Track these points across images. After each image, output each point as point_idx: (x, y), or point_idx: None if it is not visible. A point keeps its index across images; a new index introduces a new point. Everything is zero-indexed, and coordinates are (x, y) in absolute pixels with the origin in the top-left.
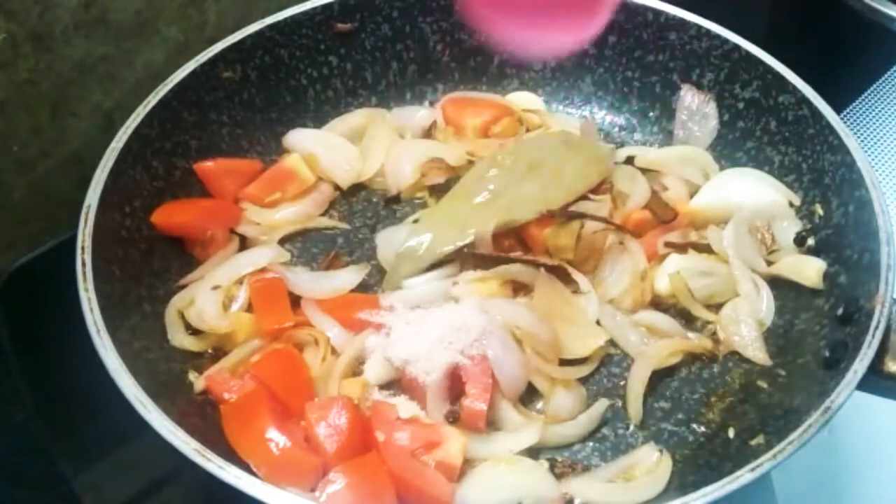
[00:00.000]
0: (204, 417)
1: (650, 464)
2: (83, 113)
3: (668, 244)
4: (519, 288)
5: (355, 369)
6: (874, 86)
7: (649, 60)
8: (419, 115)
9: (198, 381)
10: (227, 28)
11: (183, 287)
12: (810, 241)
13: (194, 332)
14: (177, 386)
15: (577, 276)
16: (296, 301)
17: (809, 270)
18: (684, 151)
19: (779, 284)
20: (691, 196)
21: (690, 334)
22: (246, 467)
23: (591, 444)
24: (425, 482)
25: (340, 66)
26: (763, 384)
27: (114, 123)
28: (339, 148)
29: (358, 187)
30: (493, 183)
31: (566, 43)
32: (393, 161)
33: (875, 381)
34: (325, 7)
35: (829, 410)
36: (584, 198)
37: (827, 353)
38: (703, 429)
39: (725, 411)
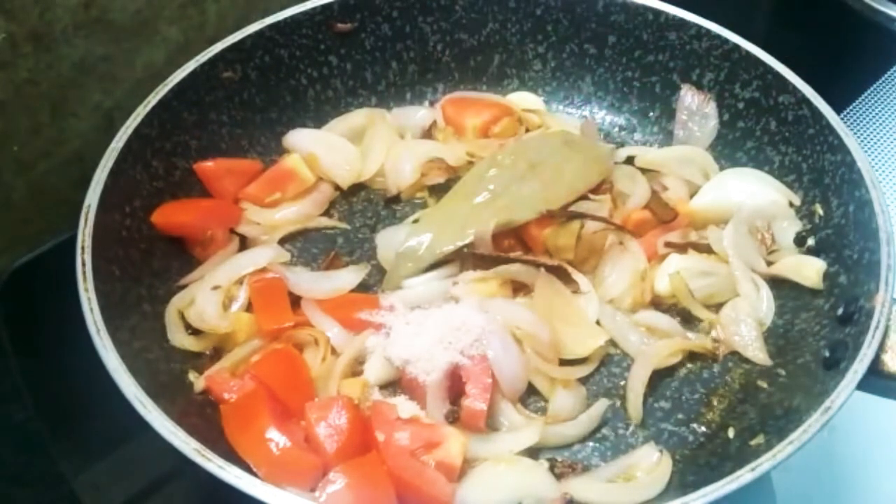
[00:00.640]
0: (204, 417)
1: (650, 464)
2: (83, 113)
3: (668, 244)
4: (519, 288)
5: (355, 369)
6: (874, 86)
7: (649, 60)
8: (419, 115)
9: (198, 381)
10: (227, 28)
11: (183, 287)
12: (810, 242)
13: (194, 332)
14: (177, 386)
15: (577, 276)
16: (296, 301)
17: (809, 271)
18: (684, 151)
19: (779, 284)
20: (691, 196)
21: (690, 334)
22: (246, 467)
23: (591, 444)
24: (425, 482)
25: (340, 66)
26: (763, 384)
27: (114, 123)
28: (339, 148)
29: (358, 187)
30: (493, 183)
31: None
32: (393, 161)
33: (875, 381)
34: (325, 7)
35: (829, 410)
36: (584, 198)
37: (827, 353)
38: (703, 429)
39: (725, 411)
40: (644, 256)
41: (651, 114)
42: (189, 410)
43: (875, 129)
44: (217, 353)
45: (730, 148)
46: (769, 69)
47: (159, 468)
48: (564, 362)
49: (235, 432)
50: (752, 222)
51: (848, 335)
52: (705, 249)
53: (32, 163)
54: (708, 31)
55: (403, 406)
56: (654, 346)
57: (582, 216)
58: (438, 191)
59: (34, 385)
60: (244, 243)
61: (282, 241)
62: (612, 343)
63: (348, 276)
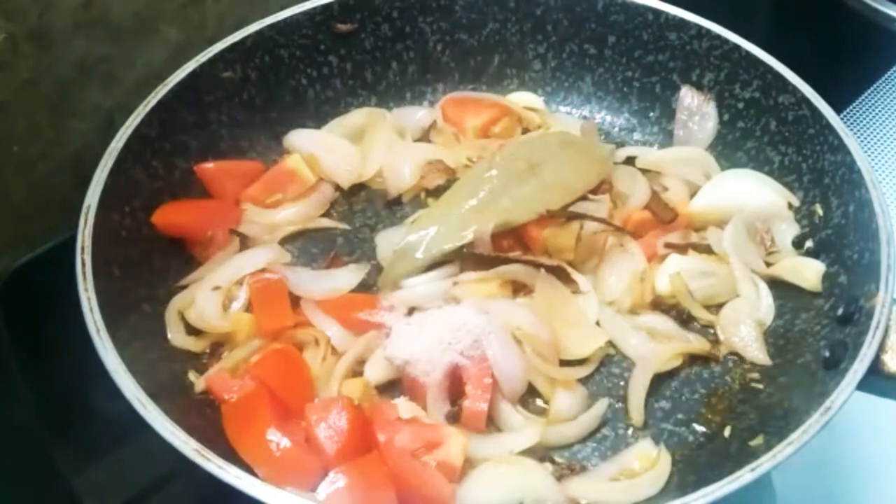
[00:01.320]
0: (204, 417)
1: (650, 459)
2: (83, 113)
3: (668, 245)
4: (519, 288)
5: (356, 369)
6: (874, 86)
7: (649, 60)
8: (419, 115)
9: (198, 382)
10: (227, 28)
11: (183, 287)
12: (809, 243)
13: (194, 332)
14: (177, 386)
15: (576, 276)
16: (296, 301)
17: (809, 273)
18: (685, 152)
19: (778, 285)
20: (692, 197)
21: (690, 335)
22: (246, 467)
23: (591, 444)
24: (426, 483)
25: (340, 66)
26: (763, 384)
27: (114, 123)
28: (339, 148)
29: (358, 187)
30: (493, 183)
31: None
32: (392, 164)
33: (875, 381)
34: (325, 7)
35: (829, 410)
36: (584, 198)
37: (827, 353)
38: (703, 429)
39: (725, 411)
40: (644, 257)
41: (651, 114)
42: (189, 410)
43: (875, 129)
44: (217, 353)
45: (730, 148)
46: (769, 69)
47: (159, 468)
48: (564, 363)
49: (235, 432)
50: (751, 223)
51: (848, 335)
52: (705, 250)
53: (32, 163)
54: (708, 31)
55: (404, 406)
56: (654, 351)
57: (581, 217)
58: (438, 192)
59: (34, 385)
60: (244, 243)
61: (282, 242)
62: (612, 343)
63: (348, 276)
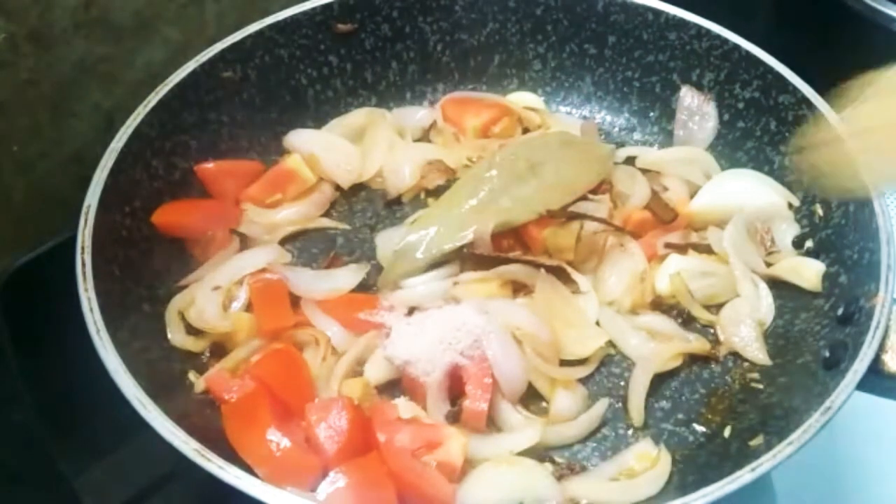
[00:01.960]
0: (204, 417)
1: (650, 459)
2: (83, 113)
3: (668, 245)
4: (519, 288)
5: (355, 369)
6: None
7: (649, 60)
8: (419, 115)
9: (198, 382)
10: (227, 28)
11: (183, 287)
12: (809, 243)
13: (194, 332)
14: (177, 386)
15: (576, 276)
16: (296, 301)
17: (809, 273)
18: (685, 152)
19: (778, 285)
20: (692, 197)
21: (690, 335)
22: (246, 467)
23: (591, 444)
24: (426, 482)
25: (340, 66)
26: (763, 384)
27: (114, 123)
28: (339, 148)
29: (358, 187)
30: (493, 183)
31: None
32: (391, 164)
33: (875, 381)
34: (325, 7)
35: (829, 410)
36: (584, 198)
37: (827, 353)
38: (703, 429)
39: (725, 411)
40: (644, 257)
41: (651, 114)
42: (189, 410)
43: None
44: (217, 353)
45: (730, 148)
46: (769, 69)
47: (159, 468)
48: (564, 363)
49: (236, 432)
50: (751, 223)
51: (848, 335)
52: (705, 250)
53: (32, 163)
54: (708, 31)
55: (404, 406)
56: (654, 351)
57: (581, 217)
58: (438, 192)
59: (34, 385)
60: (244, 243)
61: (282, 242)
62: (612, 343)
63: (348, 276)
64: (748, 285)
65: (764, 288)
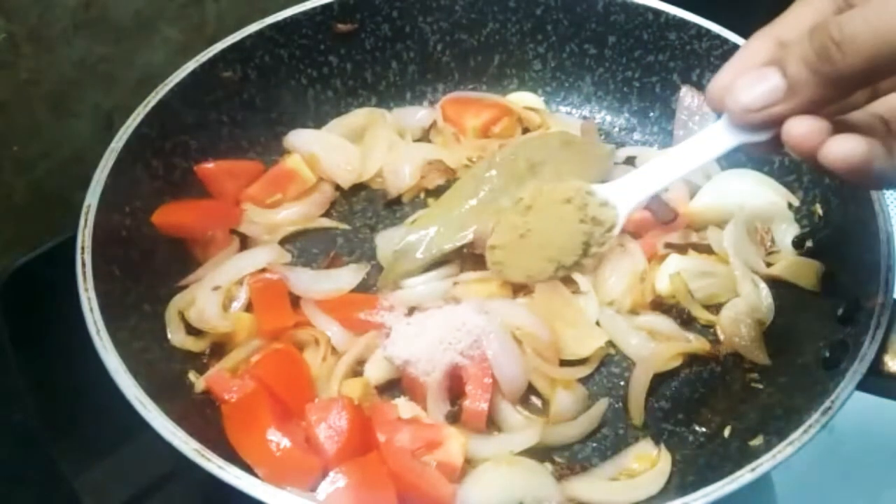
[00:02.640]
0: (204, 417)
1: (650, 459)
2: (83, 113)
3: (668, 245)
4: (519, 288)
5: (355, 369)
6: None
7: (649, 60)
8: (419, 115)
9: (198, 382)
10: (227, 28)
11: (183, 287)
12: (809, 244)
13: (194, 332)
14: (177, 386)
15: (576, 276)
16: (296, 301)
17: (808, 273)
18: None
19: (778, 284)
20: (691, 196)
21: (690, 335)
22: (246, 467)
23: (591, 444)
24: (426, 482)
25: (340, 66)
26: (763, 384)
27: (114, 123)
28: (339, 148)
29: (358, 187)
30: (493, 183)
31: None
32: (392, 164)
33: (875, 381)
34: (325, 7)
35: (829, 410)
36: None
37: (827, 353)
38: (703, 429)
39: (725, 411)
40: (644, 258)
41: (651, 114)
42: (189, 410)
43: None
44: (217, 353)
45: None
46: None
47: (159, 468)
48: (564, 363)
49: (236, 432)
50: (751, 223)
51: (848, 335)
52: (705, 250)
53: (32, 163)
54: (708, 31)
55: (404, 406)
56: (654, 351)
57: None
58: (438, 193)
59: (34, 385)
60: (244, 243)
61: (282, 242)
62: (612, 343)
63: (348, 276)
64: (748, 285)
65: (764, 288)
